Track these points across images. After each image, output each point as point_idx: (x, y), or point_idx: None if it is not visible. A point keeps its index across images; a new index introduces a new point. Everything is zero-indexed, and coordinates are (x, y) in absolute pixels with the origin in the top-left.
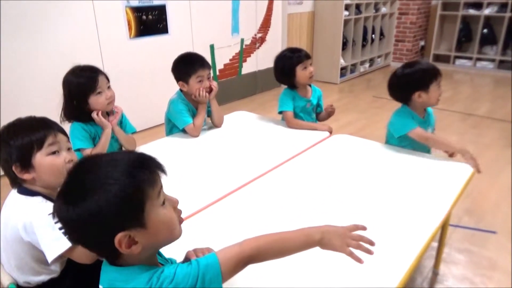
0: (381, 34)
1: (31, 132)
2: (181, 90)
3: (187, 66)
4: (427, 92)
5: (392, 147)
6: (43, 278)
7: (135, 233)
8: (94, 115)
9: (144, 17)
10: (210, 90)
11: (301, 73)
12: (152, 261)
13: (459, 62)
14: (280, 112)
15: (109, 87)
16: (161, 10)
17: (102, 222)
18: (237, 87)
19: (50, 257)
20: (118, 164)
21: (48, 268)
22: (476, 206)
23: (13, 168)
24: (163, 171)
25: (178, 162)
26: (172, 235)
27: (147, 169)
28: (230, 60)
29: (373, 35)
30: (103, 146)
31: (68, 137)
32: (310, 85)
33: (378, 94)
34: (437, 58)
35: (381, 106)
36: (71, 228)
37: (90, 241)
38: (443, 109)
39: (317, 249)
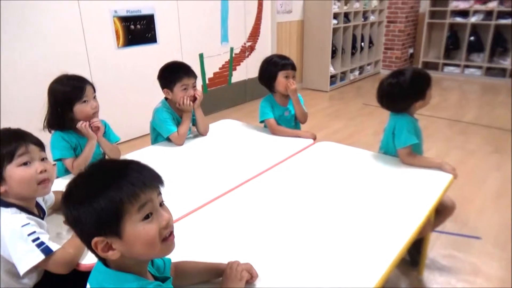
0: (370, 42)
1: (2, 145)
2: (166, 99)
3: (172, 74)
4: (424, 99)
5: (375, 154)
6: None
7: (112, 241)
8: (80, 125)
9: (132, 26)
10: (194, 99)
11: (281, 80)
12: (141, 270)
13: (447, 69)
14: (262, 121)
15: (94, 97)
16: (149, 20)
17: (81, 227)
18: (227, 96)
19: (22, 270)
20: (107, 176)
21: (19, 282)
22: (461, 211)
23: None
24: (152, 185)
25: (162, 170)
26: (152, 251)
27: (131, 183)
28: (220, 68)
29: (362, 43)
30: (87, 157)
31: (41, 147)
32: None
33: (368, 101)
34: (426, 65)
35: (370, 113)
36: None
37: (81, 239)
38: (430, 116)
39: (300, 249)
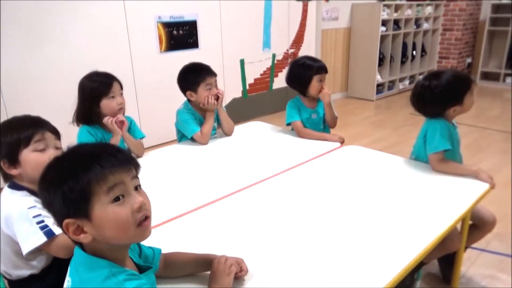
0: (423, 50)
1: (21, 130)
2: (188, 101)
3: (195, 74)
4: (462, 105)
5: (405, 160)
6: (23, 272)
7: (83, 223)
8: (107, 120)
9: (175, 32)
10: (217, 97)
11: (315, 84)
12: (117, 256)
13: (509, 80)
14: (288, 124)
15: (121, 94)
16: (192, 25)
17: (53, 209)
18: (267, 102)
19: (24, 250)
20: (78, 158)
21: (28, 263)
22: (509, 231)
23: (1, 163)
24: (124, 168)
25: (185, 166)
26: (124, 235)
27: (100, 164)
28: (261, 74)
29: (413, 52)
30: None
31: (57, 136)
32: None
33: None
34: (486, 76)
35: (416, 123)
36: None
37: (56, 221)
38: (485, 128)
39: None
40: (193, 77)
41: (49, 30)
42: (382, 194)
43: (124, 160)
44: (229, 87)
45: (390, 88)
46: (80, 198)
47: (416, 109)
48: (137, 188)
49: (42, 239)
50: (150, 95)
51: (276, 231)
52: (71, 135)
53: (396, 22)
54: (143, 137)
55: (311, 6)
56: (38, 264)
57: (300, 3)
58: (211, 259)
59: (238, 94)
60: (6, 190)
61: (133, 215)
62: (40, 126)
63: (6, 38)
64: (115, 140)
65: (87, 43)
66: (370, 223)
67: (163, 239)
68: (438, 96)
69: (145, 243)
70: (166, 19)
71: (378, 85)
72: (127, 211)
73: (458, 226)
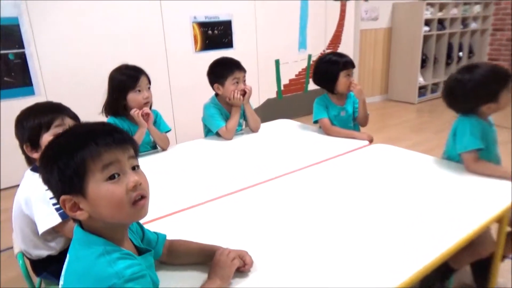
0: (470, 51)
1: (41, 115)
2: (216, 95)
3: (223, 68)
4: (497, 102)
5: (436, 159)
6: (42, 252)
7: (79, 200)
8: (133, 112)
9: (210, 32)
10: (244, 93)
11: (343, 80)
12: (114, 236)
13: None
14: (316, 122)
15: (148, 88)
16: (226, 25)
17: (50, 186)
18: (302, 103)
19: (40, 230)
20: (75, 135)
21: (46, 244)
22: None
23: (24, 147)
24: (120, 146)
25: (206, 159)
26: (119, 214)
27: (95, 142)
28: (296, 75)
29: (460, 53)
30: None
31: (77, 121)
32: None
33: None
34: None
35: None
36: None
37: (55, 198)
38: None
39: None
40: (221, 70)
41: (88, 28)
42: (407, 192)
43: (120, 139)
44: (263, 87)
45: (433, 91)
46: (75, 174)
47: (447, 104)
48: (135, 168)
49: (57, 220)
50: (184, 93)
51: (293, 226)
52: None
53: (441, 22)
54: (169, 130)
55: (350, 6)
56: (56, 246)
57: (338, 3)
58: (215, 250)
59: (273, 94)
60: (28, 172)
61: (128, 193)
62: (60, 111)
63: (42, 35)
64: (141, 132)
65: (123, 41)
66: (392, 221)
67: (176, 227)
68: (470, 92)
69: (156, 228)
70: (202, 19)
71: (420, 88)
72: (122, 189)
73: (494, 232)
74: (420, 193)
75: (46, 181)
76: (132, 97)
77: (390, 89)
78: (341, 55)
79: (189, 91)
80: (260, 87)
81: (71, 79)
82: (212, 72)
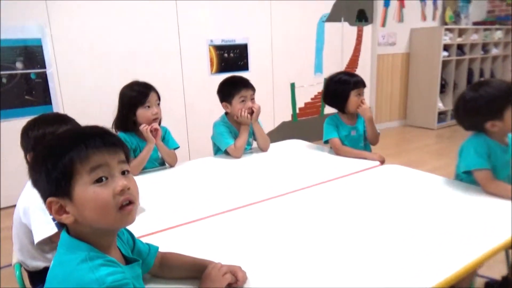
0: (492, 77)
1: (46, 125)
2: (226, 113)
3: (230, 86)
4: (503, 121)
5: (449, 181)
6: (39, 264)
7: (65, 203)
8: (143, 127)
9: (226, 54)
10: (252, 112)
11: (353, 99)
12: (100, 242)
13: None
14: (326, 142)
15: (158, 105)
16: (242, 49)
17: (38, 187)
18: (318, 127)
19: (36, 239)
20: (65, 137)
21: (43, 255)
22: None
23: (27, 156)
24: (110, 150)
25: (212, 176)
26: (105, 218)
27: (84, 144)
28: (312, 99)
29: (481, 79)
30: (143, 158)
31: None
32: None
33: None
34: None
35: None
36: None
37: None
38: None
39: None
40: (228, 88)
41: (106, 49)
42: (415, 213)
43: (110, 143)
44: (278, 110)
45: (453, 117)
46: (62, 176)
47: (456, 121)
48: (125, 173)
49: (54, 229)
50: (199, 113)
51: (295, 244)
52: None
53: (460, 47)
54: (177, 147)
55: (367, 30)
56: (53, 257)
57: (355, 28)
58: (207, 264)
59: (288, 118)
60: (29, 181)
61: (115, 197)
62: (64, 122)
63: (63, 56)
64: (149, 148)
65: (141, 61)
66: (398, 242)
67: (175, 241)
68: (472, 107)
69: (155, 241)
70: (218, 42)
71: (440, 113)
72: (109, 192)
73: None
74: (428, 215)
75: (35, 182)
76: (142, 113)
77: (408, 115)
78: (352, 75)
79: (204, 111)
80: (275, 110)
81: (88, 98)
82: (221, 90)
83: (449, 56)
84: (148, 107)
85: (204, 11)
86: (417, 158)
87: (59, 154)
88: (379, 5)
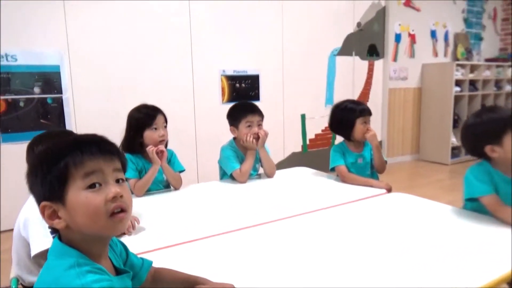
0: None
1: (51, 141)
2: (234, 138)
3: (238, 111)
4: (502, 146)
5: (457, 210)
6: (35, 279)
7: (58, 207)
8: (149, 149)
9: (237, 85)
10: (257, 137)
11: (359, 127)
12: (91, 250)
13: None
14: (333, 169)
15: (165, 127)
16: (254, 79)
17: (33, 191)
18: (328, 158)
19: (33, 251)
20: (63, 142)
21: (40, 270)
22: None
23: None
24: (105, 157)
25: (215, 199)
26: (95, 224)
27: (80, 150)
28: (323, 130)
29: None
30: (148, 179)
31: None
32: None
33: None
34: None
35: None
36: None
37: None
38: None
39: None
40: (236, 113)
41: (121, 77)
42: (419, 242)
43: (106, 150)
44: (288, 141)
45: (461, 143)
46: (56, 180)
47: (463, 146)
48: (119, 181)
49: (51, 243)
50: (209, 140)
51: (294, 267)
52: None
53: (473, 83)
54: (182, 170)
55: (378, 65)
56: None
57: (366, 62)
58: (200, 281)
59: (298, 148)
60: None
61: (106, 204)
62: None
63: (79, 82)
64: (154, 169)
65: (153, 89)
66: (399, 271)
67: (173, 260)
68: (473, 132)
69: (152, 259)
70: (230, 72)
71: (453, 148)
72: (101, 198)
73: None
74: (432, 243)
75: (31, 187)
76: (149, 135)
77: (421, 149)
78: (358, 103)
79: (214, 138)
80: (286, 140)
81: (101, 122)
82: (229, 114)
83: (461, 91)
84: (155, 129)
85: (217, 42)
86: (429, 193)
87: (55, 159)
88: (390, 41)
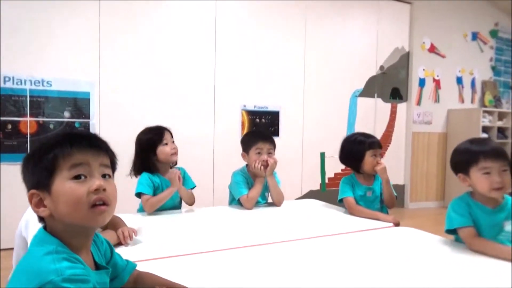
0: None
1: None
2: (246, 165)
3: (249, 138)
4: (469, 178)
5: (464, 246)
6: None
7: (44, 196)
8: (175, 172)
9: (257, 120)
10: (266, 164)
11: (369, 159)
12: (72, 242)
13: None
14: (341, 201)
15: (173, 142)
16: (274, 116)
17: (25, 179)
18: None
19: None
20: (56, 135)
21: None
22: None
23: None
24: (93, 151)
25: (222, 226)
26: (76, 213)
27: (70, 142)
28: (342, 170)
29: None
30: (163, 198)
31: None
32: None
33: None
34: None
35: None
36: None
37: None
38: None
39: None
40: (247, 140)
41: (145, 107)
42: (420, 276)
43: (95, 145)
44: (306, 178)
45: None
46: (45, 169)
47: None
48: (106, 176)
49: None
50: (226, 170)
51: None
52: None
53: (502, 131)
54: (194, 187)
55: (401, 108)
56: None
57: (388, 104)
58: None
59: (316, 186)
60: None
61: (88, 195)
62: None
63: (106, 109)
64: (171, 191)
65: (175, 118)
66: None
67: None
68: (450, 159)
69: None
70: (251, 107)
71: None
72: (84, 189)
73: None
74: (434, 278)
75: (23, 176)
76: (161, 150)
77: (447, 196)
78: (368, 136)
79: (231, 169)
80: (304, 178)
81: (124, 149)
82: (242, 141)
83: (490, 138)
84: (166, 144)
85: (240, 77)
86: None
87: (46, 150)
88: (414, 85)
